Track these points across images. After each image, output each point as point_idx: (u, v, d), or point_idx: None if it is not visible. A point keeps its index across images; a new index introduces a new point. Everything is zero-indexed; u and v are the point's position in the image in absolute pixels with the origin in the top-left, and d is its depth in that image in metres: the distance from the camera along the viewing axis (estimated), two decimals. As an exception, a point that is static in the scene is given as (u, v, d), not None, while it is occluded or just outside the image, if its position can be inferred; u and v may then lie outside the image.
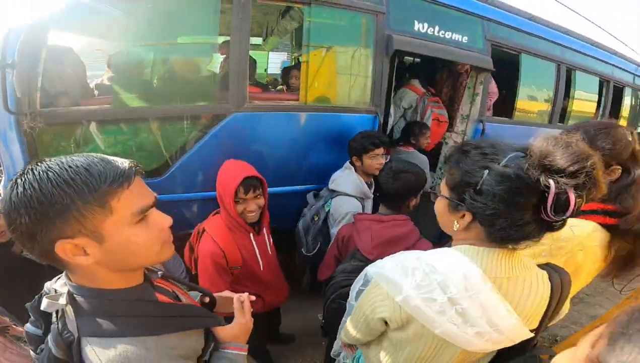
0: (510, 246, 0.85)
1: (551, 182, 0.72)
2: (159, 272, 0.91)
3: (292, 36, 4.69)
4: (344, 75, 2.67)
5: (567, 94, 4.11)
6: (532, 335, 0.88)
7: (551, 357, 1.04)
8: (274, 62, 6.76)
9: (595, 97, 4.57)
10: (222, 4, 2.23)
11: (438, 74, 4.17)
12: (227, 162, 1.80)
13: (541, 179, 0.74)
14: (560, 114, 4.07)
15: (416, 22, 2.83)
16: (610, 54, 4.73)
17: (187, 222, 2.32)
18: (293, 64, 4.32)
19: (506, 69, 3.55)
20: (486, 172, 0.80)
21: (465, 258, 0.83)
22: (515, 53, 3.50)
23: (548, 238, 1.15)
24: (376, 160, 2.26)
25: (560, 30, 4.05)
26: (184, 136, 2.33)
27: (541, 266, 0.95)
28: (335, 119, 2.61)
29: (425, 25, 2.87)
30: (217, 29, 2.37)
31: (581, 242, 1.15)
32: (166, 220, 0.76)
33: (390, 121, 3.28)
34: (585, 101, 4.46)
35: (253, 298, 1.07)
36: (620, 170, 1.23)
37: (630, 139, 1.24)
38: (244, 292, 1.09)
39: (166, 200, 2.20)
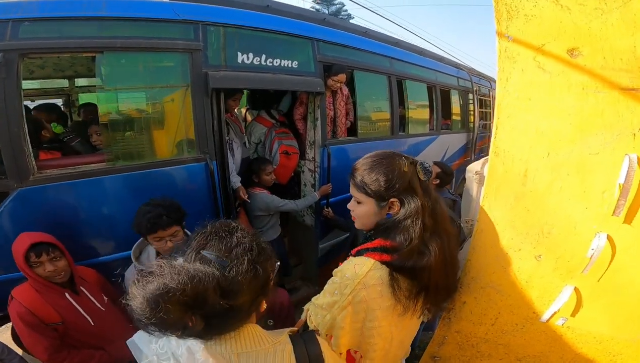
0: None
1: None
2: None
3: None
4: (159, 125, 2.49)
5: (402, 104, 4.50)
6: None
7: None
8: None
9: (427, 103, 5.12)
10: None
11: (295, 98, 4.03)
12: (20, 235, 1.85)
13: None
14: (400, 123, 4.38)
15: (239, 54, 2.76)
16: (435, 60, 5.34)
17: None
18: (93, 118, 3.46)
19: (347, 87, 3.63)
20: None
21: None
22: (348, 71, 3.61)
23: (338, 275, 1.23)
24: (162, 243, 1.90)
25: (390, 41, 4.37)
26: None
27: (294, 337, 1.02)
28: (156, 177, 2.40)
29: (250, 55, 2.81)
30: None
31: (362, 281, 1.19)
32: None
33: (236, 163, 3.09)
34: (419, 108, 4.96)
35: None
36: (398, 204, 1.22)
37: (405, 169, 1.22)
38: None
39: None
